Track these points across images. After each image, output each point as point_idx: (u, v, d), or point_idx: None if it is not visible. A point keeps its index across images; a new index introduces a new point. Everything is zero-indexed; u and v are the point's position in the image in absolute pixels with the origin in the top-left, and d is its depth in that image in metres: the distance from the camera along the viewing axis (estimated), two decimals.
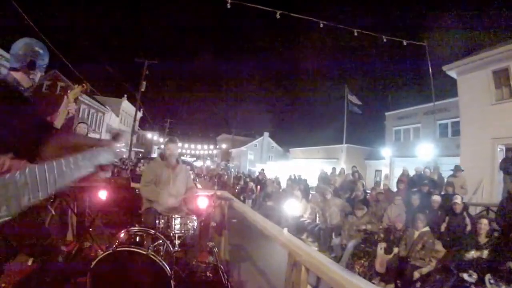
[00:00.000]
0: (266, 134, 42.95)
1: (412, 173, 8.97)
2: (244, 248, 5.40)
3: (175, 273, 2.47)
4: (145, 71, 18.63)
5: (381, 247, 4.92)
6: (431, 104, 17.14)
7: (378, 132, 22.45)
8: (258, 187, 13.13)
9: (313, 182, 12.67)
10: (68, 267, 2.91)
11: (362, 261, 5.10)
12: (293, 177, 13.59)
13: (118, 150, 1.51)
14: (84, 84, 2.66)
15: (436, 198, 5.90)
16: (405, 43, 11.77)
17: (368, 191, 8.75)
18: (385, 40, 11.41)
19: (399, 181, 7.93)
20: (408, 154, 17.58)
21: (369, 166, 21.75)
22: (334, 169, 11.82)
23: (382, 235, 5.33)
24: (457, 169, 7.96)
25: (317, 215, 7.27)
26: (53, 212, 3.15)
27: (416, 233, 4.73)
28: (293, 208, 7.91)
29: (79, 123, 4.72)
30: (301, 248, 2.41)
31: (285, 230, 2.51)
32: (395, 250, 4.77)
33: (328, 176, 11.15)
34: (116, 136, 1.51)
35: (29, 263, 2.04)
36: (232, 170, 27.81)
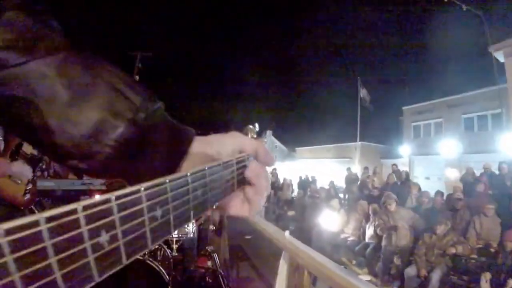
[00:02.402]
0: (270, 132, 42.95)
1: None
2: (244, 252, 5.52)
3: (172, 279, 2.59)
4: (137, 63, 18.69)
5: (486, 279, 3.88)
6: (454, 97, 16.99)
7: (395, 128, 22.30)
8: (272, 192, 11.71)
9: (324, 183, 12.64)
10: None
11: None
12: (304, 178, 13.43)
13: None
14: None
15: None
16: (464, 8, 11.17)
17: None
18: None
19: (476, 181, 6.61)
20: (430, 151, 17.42)
21: (385, 165, 21.64)
22: (366, 168, 10.83)
23: (474, 260, 4.32)
24: None
25: (367, 232, 5.93)
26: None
27: None
28: (330, 221, 6.39)
29: None
30: (303, 251, 2.50)
31: (287, 232, 2.62)
32: (510, 282, 3.75)
33: (357, 177, 10.14)
34: None
35: None
36: None
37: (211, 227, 3.73)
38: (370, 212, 6.06)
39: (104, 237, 0.22)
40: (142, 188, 0.26)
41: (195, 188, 0.34)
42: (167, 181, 0.29)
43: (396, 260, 5.10)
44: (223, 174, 0.40)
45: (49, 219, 0.18)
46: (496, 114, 14.32)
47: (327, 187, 10.35)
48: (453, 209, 5.47)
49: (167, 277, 2.45)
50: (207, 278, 2.91)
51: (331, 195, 8.30)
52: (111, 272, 0.23)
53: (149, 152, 0.42)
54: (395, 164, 9.55)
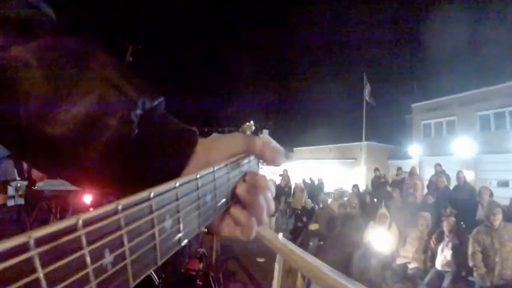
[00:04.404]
0: (266, 132, 43.08)
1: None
2: (236, 255, 5.68)
3: (163, 282, 2.71)
4: (128, 57, 18.71)
5: None
6: (468, 93, 16.90)
7: (402, 127, 22.19)
8: (283, 198, 10.05)
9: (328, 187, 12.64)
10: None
11: None
12: (308, 182, 13.25)
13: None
14: None
15: None
16: None
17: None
18: None
19: None
20: (441, 152, 17.28)
21: (392, 167, 21.52)
22: (400, 169, 9.06)
23: None
24: None
25: (440, 256, 4.72)
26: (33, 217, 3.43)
27: None
28: (379, 241, 4.93)
29: None
30: (297, 254, 2.63)
31: (280, 235, 2.75)
32: None
33: (387, 180, 8.35)
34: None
35: None
36: None
37: (203, 228, 3.86)
38: (444, 229, 4.78)
39: (108, 258, 0.19)
40: (152, 195, 0.24)
41: (204, 193, 0.32)
42: (177, 185, 0.27)
43: None
44: (229, 177, 0.38)
45: (40, 241, 0.15)
46: None
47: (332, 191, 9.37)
48: None
49: (157, 279, 2.56)
50: (198, 280, 3.03)
51: (366, 204, 6.71)
52: None
53: (146, 157, 0.38)
54: (439, 164, 7.72)
